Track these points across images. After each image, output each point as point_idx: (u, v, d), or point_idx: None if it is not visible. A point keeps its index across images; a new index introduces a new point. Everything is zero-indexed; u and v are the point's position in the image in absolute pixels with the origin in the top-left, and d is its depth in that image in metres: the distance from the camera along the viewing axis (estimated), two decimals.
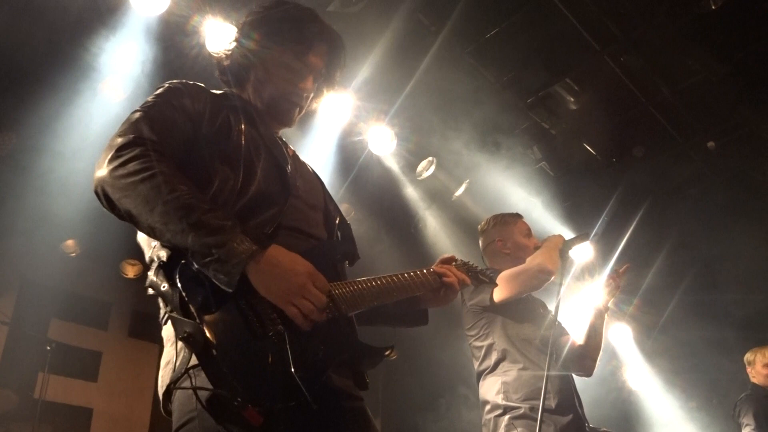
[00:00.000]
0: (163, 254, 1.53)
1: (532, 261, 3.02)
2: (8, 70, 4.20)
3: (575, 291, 4.56)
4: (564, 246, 3.08)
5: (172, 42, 4.09)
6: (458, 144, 5.24)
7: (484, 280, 2.26)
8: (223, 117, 1.76)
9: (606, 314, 3.21)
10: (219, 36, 3.98)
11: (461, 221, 6.21)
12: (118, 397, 6.21)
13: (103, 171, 1.51)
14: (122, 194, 1.48)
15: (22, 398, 4.57)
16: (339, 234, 1.93)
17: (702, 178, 5.77)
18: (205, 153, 1.69)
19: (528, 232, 3.37)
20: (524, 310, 3.13)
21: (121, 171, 1.48)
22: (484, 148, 5.31)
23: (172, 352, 1.53)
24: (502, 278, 2.98)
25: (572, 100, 5.16)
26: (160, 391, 1.56)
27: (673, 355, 7.23)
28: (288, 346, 1.43)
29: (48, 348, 4.82)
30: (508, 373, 3.01)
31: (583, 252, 6.13)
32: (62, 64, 4.14)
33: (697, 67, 4.84)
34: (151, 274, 1.55)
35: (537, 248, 3.22)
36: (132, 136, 1.55)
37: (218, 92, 1.89)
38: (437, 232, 5.85)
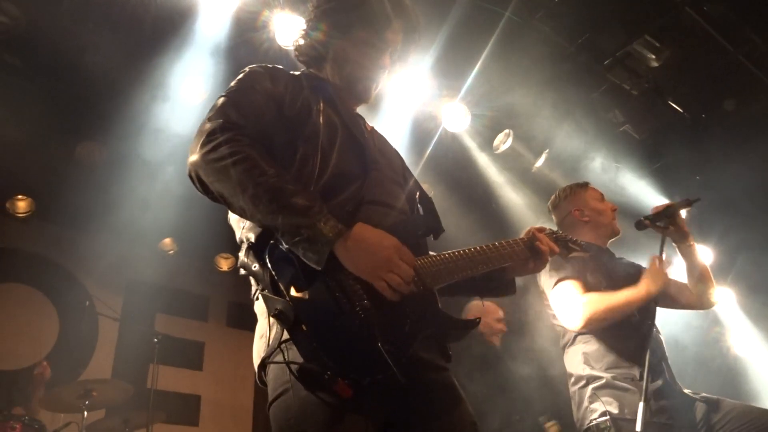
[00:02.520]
0: (252, 235, 1.61)
1: (638, 293, 2.85)
2: (96, 81, 4.45)
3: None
4: (667, 211, 2.97)
5: (243, 39, 4.21)
6: (535, 114, 5.12)
7: (575, 248, 2.21)
8: (303, 98, 1.80)
9: (690, 240, 3.09)
10: (288, 29, 4.07)
11: (543, 192, 6.07)
12: (223, 385, 6.53)
13: (195, 156, 1.57)
14: (215, 177, 1.55)
15: (137, 388, 4.87)
16: (420, 207, 1.93)
17: None
18: (286, 134, 1.73)
19: (601, 197, 3.31)
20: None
21: (213, 155, 1.54)
22: (562, 116, 5.17)
23: (265, 326, 1.60)
24: (597, 309, 2.84)
25: (653, 57, 4.92)
26: (255, 362, 1.63)
27: None
28: (374, 321, 1.47)
29: (155, 340, 5.12)
30: (590, 342, 2.95)
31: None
32: (143, 73, 4.34)
33: None
34: (241, 255, 1.63)
35: (614, 210, 3.18)
36: (221, 120, 1.61)
37: (296, 73, 1.93)
38: (519, 206, 5.76)
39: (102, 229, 5.72)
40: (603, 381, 2.83)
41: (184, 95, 4.51)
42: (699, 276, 3.11)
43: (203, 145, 1.57)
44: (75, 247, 5.96)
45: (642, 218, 3.01)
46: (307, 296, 1.48)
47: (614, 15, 4.64)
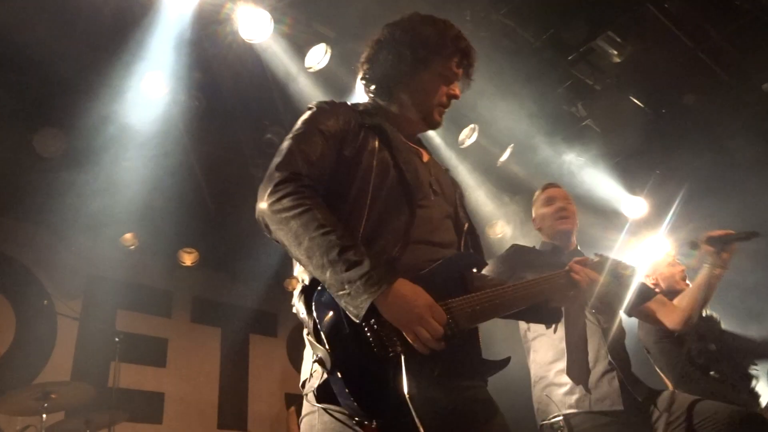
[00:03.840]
0: (306, 278, 1.76)
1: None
2: (54, 74, 4.32)
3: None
4: (726, 238, 2.98)
5: (206, 32, 4.13)
6: (500, 108, 5.14)
7: (624, 273, 2.21)
8: (361, 138, 1.92)
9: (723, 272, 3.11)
10: (251, 22, 4.00)
11: (508, 187, 6.13)
12: (187, 381, 6.44)
13: (263, 204, 1.73)
14: (277, 227, 1.70)
15: (98, 388, 4.77)
16: (467, 241, 2.02)
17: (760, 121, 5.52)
18: (343, 172, 1.86)
19: (547, 200, 3.28)
20: None
21: (278, 206, 1.70)
22: (527, 110, 5.21)
23: (308, 363, 1.75)
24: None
25: (615, 53, 4.99)
26: (302, 379, 1.80)
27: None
28: (403, 367, 1.59)
29: (116, 340, 5.03)
30: (536, 340, 3.05)
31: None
32: (103, 66, 4.23)
33: (746, 6, 4.61)
34: (295, 297, 1.77)
35: (559, 210, 3.20)
36: (288, 172, 1.75)
37: (360, 107, 2.05)
38: (483, 200, 5.80)
39: (61, 224, 5.58)
40: (548, 379, 2.92)
41: (146, 88, 4.41)
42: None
43: (270, 195, 1.72)
44: (32, 242, 5.79)
45: (697, 240, 3.05)
46: (345, 344, 1.62)
47: (578, 11, 4.68)
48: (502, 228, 6.40)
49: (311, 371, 1.72)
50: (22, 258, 5.82)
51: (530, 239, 3.34)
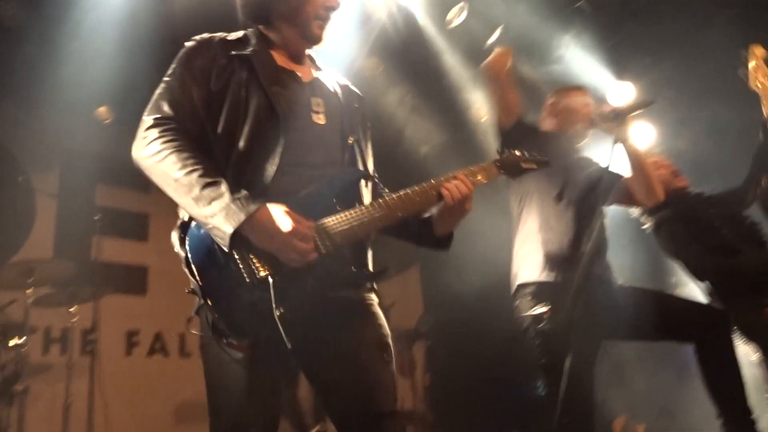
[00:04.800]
0: (184, 214, 1.86)
1: None
2: None
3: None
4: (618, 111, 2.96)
5: None
6: None
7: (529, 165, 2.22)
8: (230, 70, 1.96)
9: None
10: None
11: None
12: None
13: (134, 152, 1.87)
14: (148, 172, 1.84)
15: (81, 263, 4.85)
16: (352, 156, 2.04)
17: None
18: (213, 109, 1.92)
19: (582, 102, 3.24)
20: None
21: (144, 153, 1.83)
22: None
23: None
24: None
25: None
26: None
27: None
28: (272, 289, 1.72)
29: (96, 218, 5.05)
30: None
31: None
32: None
33: None
34: (174, 232, 1.87)
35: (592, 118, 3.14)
36: (153, 117, 1.86)
37: (232, 38, 2.06)
38: (470, 83, 5.66)
39: (31, 98, 5.38)
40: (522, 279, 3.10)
41: None
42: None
43: (138, 142, 1.86)
44: (4, 118, 5.61)
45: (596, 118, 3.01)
46: (215, 273, 1.75)
47: None
48: (487, 112, 6.33)
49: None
50: None
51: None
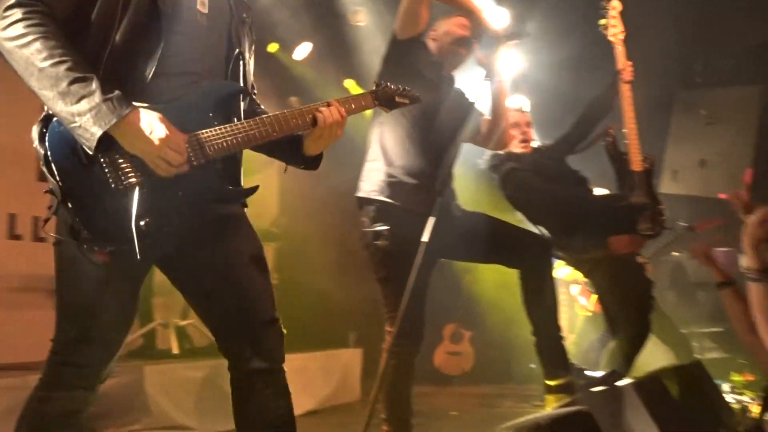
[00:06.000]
0: (46, 108, 1.71)
1: None
2: None
3: None
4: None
5: None
6: None
7: (402, 102, 2.29)
8: None
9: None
10: None
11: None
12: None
13: None
14: (8, 56, 1.65)
15: None
16: (235, 69, 1.99)
17: None
18: (87, 4, 1.76)
19: (461, 25, 3.23)
20: None
21: (5, 34, 1.63)
22: None
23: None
24: None
25: None
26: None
27: None
28: (136, 198, 1.68)
29: None
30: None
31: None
32: None
33: None
34: (35, 126, 1.74)
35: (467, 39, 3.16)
36: None
37: None
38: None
39: None
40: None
41: None
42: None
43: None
44: None
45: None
46: (79, 175, 1.67)
47: None
48: (365, 17, 6.24)
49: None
50: None
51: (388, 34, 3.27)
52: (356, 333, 6.79)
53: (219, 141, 1.80)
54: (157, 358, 4.73)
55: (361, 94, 2.23)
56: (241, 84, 2.01)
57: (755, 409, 3.69)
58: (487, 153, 3.92)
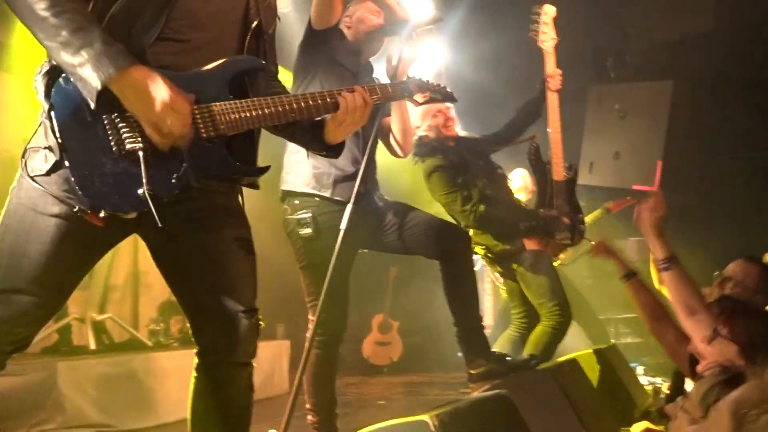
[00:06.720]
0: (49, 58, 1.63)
1: None
2: None
3: None
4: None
5: None
6: None
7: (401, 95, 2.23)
8: None
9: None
10: None
11: None
12: None
13: None
14: (13, 6, 1.57)
15: None
16: (252, 43, 1.88)
17: None
18: None
19: (372, 9, 3.20)
20: None
21: None
22: None
23: (40, 137, 1.66)
24: None
25: None
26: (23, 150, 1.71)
27: None
28: (143, 164, 1.59)
29: None
30: None
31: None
32: None
33: None
34: (39, 74, 1.65)
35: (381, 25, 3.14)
36: None
37: None
38: None
39: None
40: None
41: None
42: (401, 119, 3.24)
43: None
44: None
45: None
46: (80, 135, 1.60)
47: None
48: (287, 3, 6.13)
49: (39, 148, 1.66)
50: None
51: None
52: (284, 324, 6.74)
53: (233, 115, 1.71)
54: (72, 354, 4.53)
55: (390, 83, 2.14)
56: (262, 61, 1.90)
57: (666, 390, 3.88)
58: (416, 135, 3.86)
